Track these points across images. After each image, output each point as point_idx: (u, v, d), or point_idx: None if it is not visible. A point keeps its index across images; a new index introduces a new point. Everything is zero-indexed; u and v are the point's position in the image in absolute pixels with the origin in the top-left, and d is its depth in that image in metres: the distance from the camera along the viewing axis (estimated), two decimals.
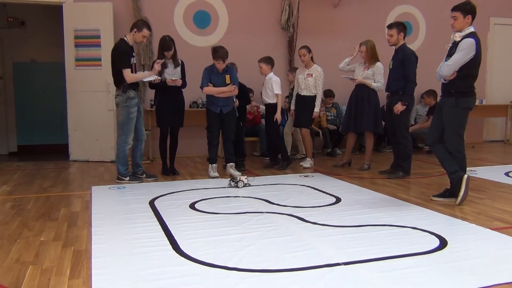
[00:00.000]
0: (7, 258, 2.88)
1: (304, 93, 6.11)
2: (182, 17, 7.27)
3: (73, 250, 3.01)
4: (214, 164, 5.60)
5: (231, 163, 5.56)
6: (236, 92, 5.60)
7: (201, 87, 5.57)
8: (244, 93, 6.06)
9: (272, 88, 5.98)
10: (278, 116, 6.00)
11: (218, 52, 5.43)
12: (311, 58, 6.15)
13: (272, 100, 6.04)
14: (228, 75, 5.55)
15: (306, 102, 6.09)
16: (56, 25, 7.25)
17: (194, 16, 7.31)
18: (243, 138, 6.38)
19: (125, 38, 5.14)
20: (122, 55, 5.03)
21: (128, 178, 5.27)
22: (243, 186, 4.92)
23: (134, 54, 5.21)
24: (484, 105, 8.91)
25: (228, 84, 5.53)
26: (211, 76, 5.52)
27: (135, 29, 5.09)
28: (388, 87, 5.61)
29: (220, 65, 5.45)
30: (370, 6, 8.16)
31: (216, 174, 5.55)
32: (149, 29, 5.20)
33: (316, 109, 6.10)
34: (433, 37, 8.33)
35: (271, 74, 6.04)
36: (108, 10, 6.64)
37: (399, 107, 5.34)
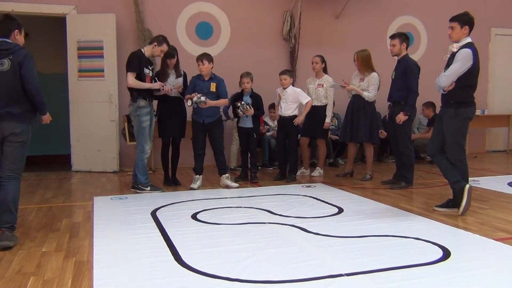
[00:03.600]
0: (9, 268, 2.87)
1: (315, 103, 6.12)
2: (185, 28, 7.32)
3: (74, 261, 3.00)
4: (198, 175, 5.50)
5: (226, 174, 5.57)
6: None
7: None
8: (259, 104, 5.96)
9: (299, 99, 5.94)
10: (300, 119, 5.93)
11: (200, 54, 5.43)
12: (324, 69, 6.19)
13: (293, 112, 5.97)
14: (215, 84, 5.42)
15: (317, 112, 6.10)
16: (59, 36, 7.30)
17: (196, 28, 7.36)
18: (256, 149, 6.15)
19: (142, 50, 5.20)
20: (132, 59, 5.08)
21: (149, 188, 5.22)
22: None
23: (150, 67, 5.22)
24: (486, 115, 8.91)
25: (213, 91, 5.40)
26: (196, 82, 5.42)
27: (155, 43, 5.15)
28: (390, 97, 5.62)
29: (201, 67, 5.32)
30: (371, 17, 8.20)
31: (195, 186, 5.45)
32: (168, 45, 5.25)
33: (328, 120, 6.10)
34: (434, 48, 8.35)
35: (291, 87, 6.03)
36: (111, 22, 6.70)
37: (401, 117, 5.34)
